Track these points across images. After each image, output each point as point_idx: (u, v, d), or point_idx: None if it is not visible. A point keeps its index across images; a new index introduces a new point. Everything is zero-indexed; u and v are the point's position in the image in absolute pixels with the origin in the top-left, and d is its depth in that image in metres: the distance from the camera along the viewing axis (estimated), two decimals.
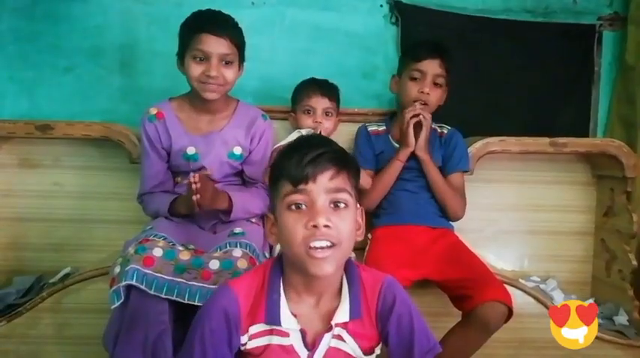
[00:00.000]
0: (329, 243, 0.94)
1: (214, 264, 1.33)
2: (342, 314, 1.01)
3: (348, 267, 1.04)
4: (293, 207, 0.96)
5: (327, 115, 1.74)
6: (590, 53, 2.22)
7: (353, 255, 1.26)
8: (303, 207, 0.96)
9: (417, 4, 2.16)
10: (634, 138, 2.06)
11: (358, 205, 1.03)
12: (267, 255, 1.46)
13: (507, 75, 2.20)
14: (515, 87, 2.20)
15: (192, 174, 1.39)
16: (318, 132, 1.65)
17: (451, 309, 1.52)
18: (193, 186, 1.37)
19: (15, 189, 1.88)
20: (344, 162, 0.99)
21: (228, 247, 1.39)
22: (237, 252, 1.36)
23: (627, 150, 1.82)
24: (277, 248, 1.44)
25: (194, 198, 1.38)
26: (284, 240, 0.98)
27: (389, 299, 1.03)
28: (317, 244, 0.93)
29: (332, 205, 0.96)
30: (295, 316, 1.00)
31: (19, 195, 1.88)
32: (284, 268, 1.03)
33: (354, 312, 1.01)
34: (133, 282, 1.26)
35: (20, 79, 2.05)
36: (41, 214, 1.88)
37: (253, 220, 1.59)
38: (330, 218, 0.94)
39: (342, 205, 0.97)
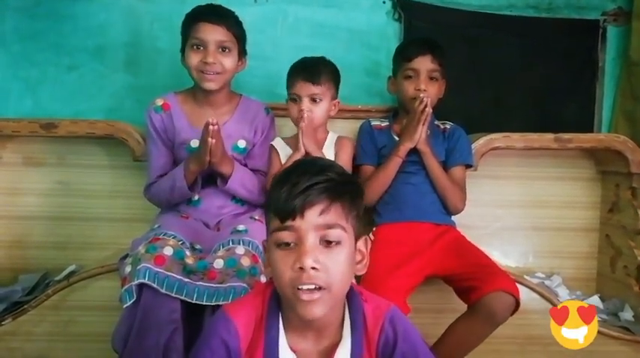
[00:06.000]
0: (316, 287, 0.87)
1: (219, 263, 1.34)
2: (343, 353, 0.95)
3: (350, 298, 0.98)
4: (281, 244, 0.89)
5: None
6: (594, 49, 2.21)
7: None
8: (292, 245, 0.88)
9: (420, 1, 2.15)
10: (639, 134, 2.05)
11: (367, 236, 0.96)
12: None
13: (511, 71, 2.19)
14: (519, 83, 2.20)
15: (210, 119, 1.39)
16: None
17: (455, 305, 1.52)
18: (211, 127, 1.38)
19: (20, 187, 1.89)
20: (338, 192, 0.90)
21: (230, 244, 1.40)
22: (240, 250, 1.37)
23: (632, 145, 1.81)
24: None
25: (210, 140, 1.40)
26: (274, 278, 0.92)
27: (390, 336, 0.96)
28: (304, 287, 0.87)
29: (323, 242, 0.89)
30: (295, 352, 0.95)
31: (24, 194, 1.89)
32: (282, 302, 0.97)
33: (355, 352, 0.95)
34: (145, 281, 1.26)
35: (24, 78, 2.06)
36: (46, 212, 1.89)
37: (256, 217, 1.59)
38: (318, 258, 0.87)
39: (333, 243, 0.89)
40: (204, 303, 1.29)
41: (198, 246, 1.46)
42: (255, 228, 1.52)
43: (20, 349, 1.62)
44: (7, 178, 1.88)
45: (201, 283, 1.30)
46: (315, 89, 1.60)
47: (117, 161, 1.88)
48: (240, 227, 1.49)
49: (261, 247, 1.42)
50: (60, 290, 1.63)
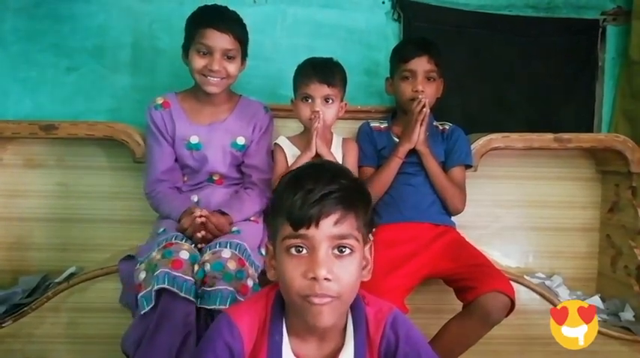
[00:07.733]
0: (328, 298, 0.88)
1: (206, 267, 1.33)
2: (347, 357, 0.96)
3: (352, 302, 0.97)
4: (292, 250, 0.88)
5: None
6: (593, 48, 2.21)
7: None
8: (304, 251, 0.88)
9: (420, 1, 2.15)
10: (638, 133, 2.05)
11: (370, 238, 0.95)
12: (263, 251, 1.46)
13: (510, 71, 2.19)
14: (519, 83, 2.19)
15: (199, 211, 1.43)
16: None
17: (454, 306, 1.52)
18: (198, 219, 1.42)
19: (20, 189, 1.89)
20: (352, 202, 0.89)
21: (217, 247, 1.38)
22: (226, 253, 1.36)
23: (632, 145, 1.81)
24: None
25: (199, 235, 1.43)
26: (282, 284, 0.92)
27: (392, 340, 0.96)
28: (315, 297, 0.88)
29: (335, 251, 0.89)
30: (298, 357, 0.96)
31: (24, 195, 1.89)
32: (286, 306, 0.97)
33: (358, 355, 0.95)
34: (165, 286, 1.26)
35: (23, 79, 2.05)
36: (46, 214, 1.89)
37: (252, 218, 1.60)
38: (331, 268, 0.87)
39: (346, 251, 0.89)
40: (199, 306, 1.30)
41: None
42: (248, 228, 1.52)
43: (21, 351, 1.62)
44: (8, 180, 1.88)
45: (201, 288, 1.31)
46: (330, 90, 1.60)
47: (117, 162, 1.88)
48: (233, 228, 1.50)
49: (249, 250, 1.41)
50: (60, 292, 1.63)
